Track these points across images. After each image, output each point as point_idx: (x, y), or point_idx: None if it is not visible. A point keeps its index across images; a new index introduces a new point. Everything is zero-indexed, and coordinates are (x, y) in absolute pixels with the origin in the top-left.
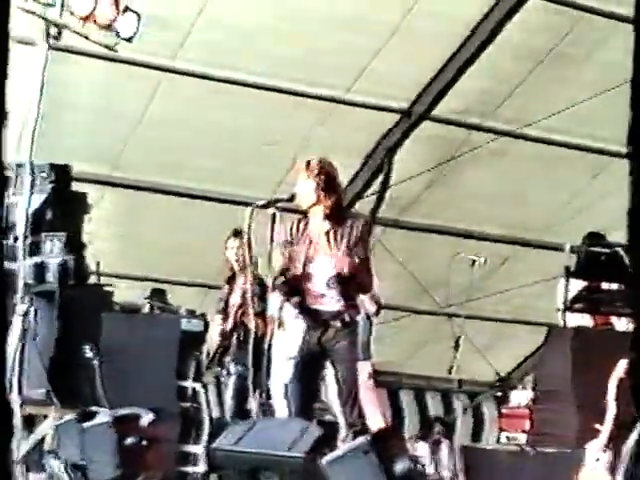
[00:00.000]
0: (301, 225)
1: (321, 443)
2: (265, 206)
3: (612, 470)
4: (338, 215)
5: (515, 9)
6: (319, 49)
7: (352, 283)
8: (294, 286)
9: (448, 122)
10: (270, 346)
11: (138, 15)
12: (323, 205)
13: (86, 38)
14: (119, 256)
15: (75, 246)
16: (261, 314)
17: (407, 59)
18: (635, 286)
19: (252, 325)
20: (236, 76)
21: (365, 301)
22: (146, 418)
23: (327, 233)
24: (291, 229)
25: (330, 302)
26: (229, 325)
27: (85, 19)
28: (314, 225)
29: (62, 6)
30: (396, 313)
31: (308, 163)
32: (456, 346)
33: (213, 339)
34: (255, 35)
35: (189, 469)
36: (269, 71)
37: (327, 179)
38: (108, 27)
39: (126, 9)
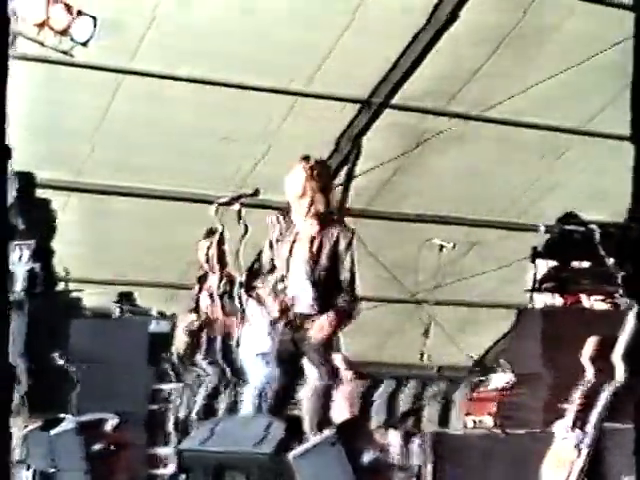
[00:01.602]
0: (287, 218)
1: (288, 438)
2: (228, 203)
3: (578, 448)
4: (322, 217)
5: None
6: (277, 43)
7: (330, 291)
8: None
9: (409, 109)
10: (239, 344)
11: (93, 18)
12: (307, 199)
13: (41, 45)
14: (86, 261)
15: (43, 253)
16: (231, 312)
17: (366, 47)
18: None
19: (220, 324)
20: (198, 74)
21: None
22: (112, 422)
23: (312, 239)
24: (277, 220)
25: (303, 304)
26: (197, 324)
27: (39, 26)
28: (299, 222)
29: (13, 13)
30: (367, 303)
31: (306, 157)
32: (426, 333)
33: (181, 338)
34: (212, 31)
35: (159, 471)
36: (229, 68)
37: (320, 174)
38: (63, 32)
39: (79, 13)
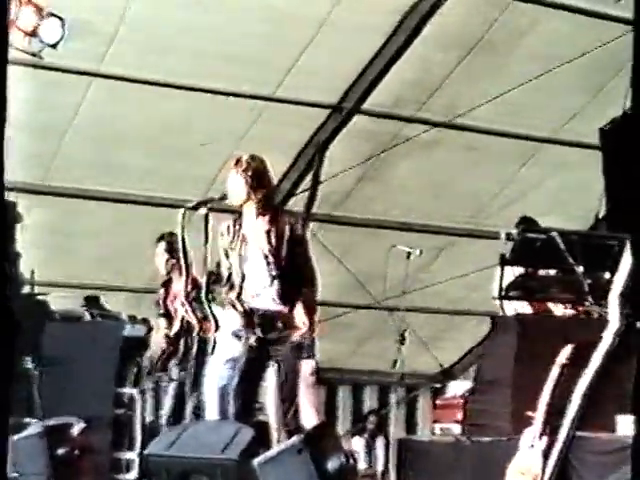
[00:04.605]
0: (236, 225)
1: (255, 444)
2: (196, 207)
3: (546, 456)
4: (271, 211)
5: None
6: (247, 46)
7: (291, 282)
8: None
9: (379, 115)
10: (214, 349)
11: (62, 20)
12: (254, 201)
13: (9, 46)
14: (52, 264)
15: (8, 256)
16: (204, 317)
17: (335, 53)
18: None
19: (195, 329)
20: (166, 77)
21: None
22: (77, 427)
23: (268, 232)
24: (228, 229)
25: (266, 301)
26: (174, 330)
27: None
28: (249, 224)
29: None
30: (337, 310)
31: (237, 160)
32: (401, 340)
33: (157, 344)
34: (182, 34)
35: (123, 476)
36: (198, 71)
37: (256, 175)
38: (32, 34)
39: (49, 14)
